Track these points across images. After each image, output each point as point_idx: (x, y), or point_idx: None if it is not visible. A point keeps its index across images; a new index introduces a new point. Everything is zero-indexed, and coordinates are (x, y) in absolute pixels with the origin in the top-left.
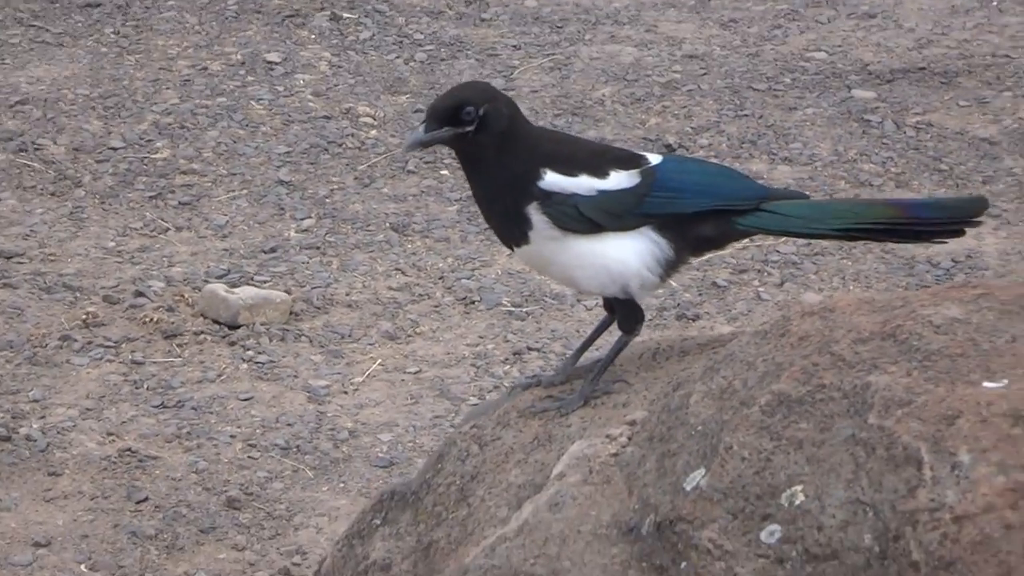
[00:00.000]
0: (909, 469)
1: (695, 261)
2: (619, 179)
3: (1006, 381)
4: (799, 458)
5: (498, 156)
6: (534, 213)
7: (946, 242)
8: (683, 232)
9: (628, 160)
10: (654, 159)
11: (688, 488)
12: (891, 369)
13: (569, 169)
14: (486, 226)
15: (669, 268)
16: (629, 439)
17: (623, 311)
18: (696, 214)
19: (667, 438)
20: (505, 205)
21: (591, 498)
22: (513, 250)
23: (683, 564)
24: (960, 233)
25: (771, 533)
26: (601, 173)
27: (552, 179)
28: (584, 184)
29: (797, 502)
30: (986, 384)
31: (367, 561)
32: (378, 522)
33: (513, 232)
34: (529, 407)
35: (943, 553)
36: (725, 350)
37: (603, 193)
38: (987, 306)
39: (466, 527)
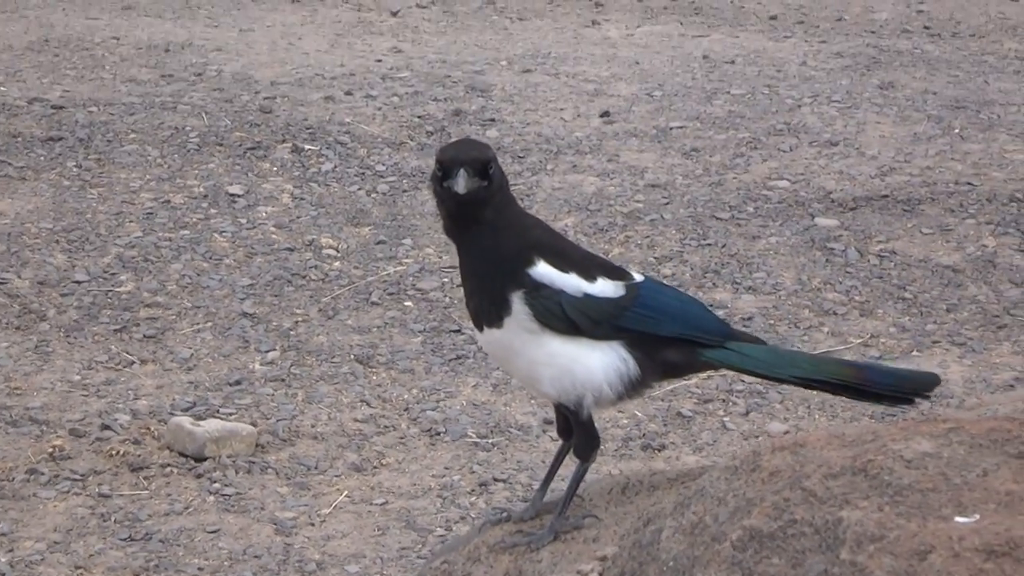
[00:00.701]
0: None
1: (654, 387)
2: (605, 287)
3: (977, 516)
4: None
5: (493, 228)
6: (517, 301)
7: (894, 409)
8: (652, 354)
9: (614, 271)
10: (637, 276)
11: None
12: (863, 504)
13: (561, 264)
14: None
15: (630, 388)
16: (600, 575)
17: (580, 435)
18: (667, 339)
19: (639, 574)
20: (493, 284)
21: None
22: (482, 331)
23: None
24: (910, 403)
25: None
26: (590, 276)
27: (543, 270)
28: (572, 283)
29: None
30: (958, 519)
31: None
32: None
33: (490, 313)
34: (499, 542)
35: None
36: (695, 485)
37: (589, 297)
38: (957, 440)
39: None
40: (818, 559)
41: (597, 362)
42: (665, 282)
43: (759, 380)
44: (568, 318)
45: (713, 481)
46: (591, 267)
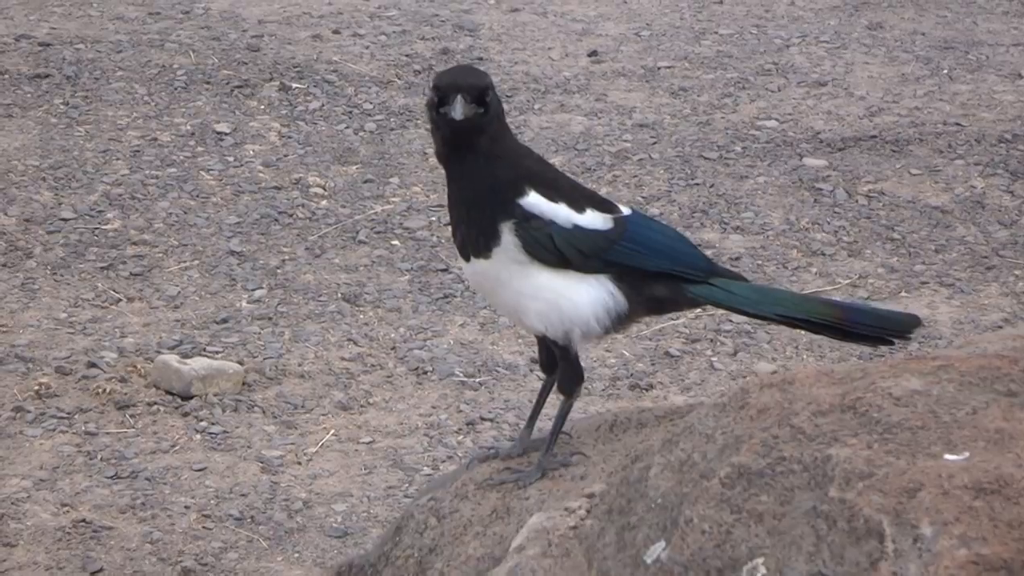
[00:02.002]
0: (871, 542)
1: (640, 322)
2: (594, 219)
3: (967, 454)
4: (760, 531)
5: (487, 157)
6: (506, 232)
7: (875, 347)
8: (638, 288)
9: (602, 203)
10: (624, 209)
11: (649, 561)
12: (851, 442)
13: (551, 194)
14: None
15: (616, 322)
16: (588, 512)
17: (565, 370)
18: (653, 273)
19: (626, 511)
20: (482, 213)
21: (550, 571)
22: (468, 261)
23: None
24: (892, 344)
25: None
26: (579, 207)
27: (534, 200)
28: (562, 214)
29: (759, 574)
30: (947, 457)
31: None
32: None
33: (478, 243)
34: (487, 479)
35: None
36: (684, 422)
37: (579, 229)
38: (947, 378)
39: None
40: (807, 496)
41: (585, 296)
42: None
43: (745, 318)
44: (557, 250)
45: (701, 418)
46: (580, 199)
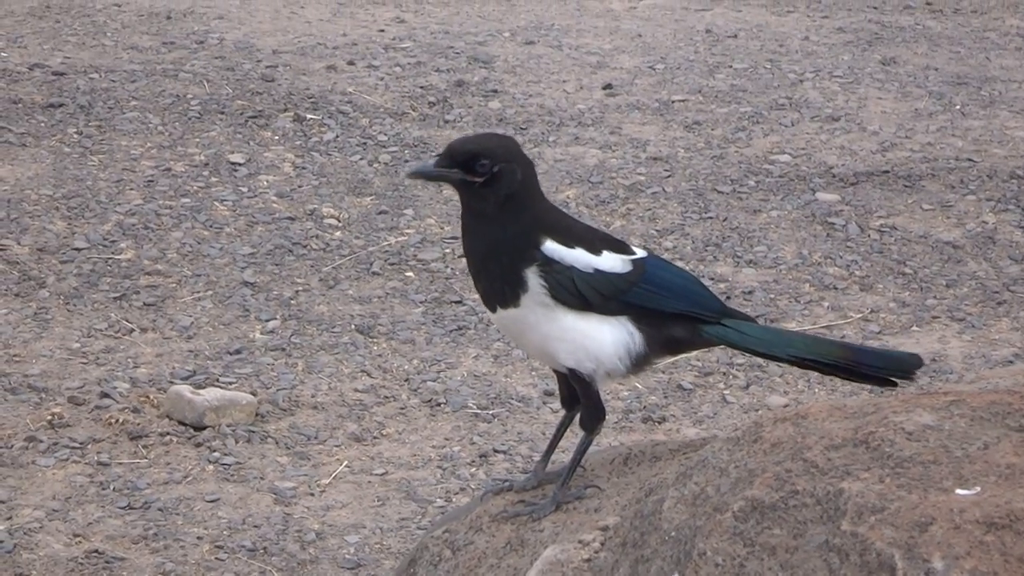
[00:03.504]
0: (883, 575)
1: (657, 362)
2: (613, 262)
3: (978, 488)
4: (773, 564)
5: (501, 214)
6: (532, 276)
7: (881, 388)
8: (657, 329)
9: (619, 246)
10: (639, 251)
11: None
12: (864, 476)
13: (567, 240)
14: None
15: (637, 363)
16: (602, 544)
17: (587, 407)
18: (671, 315)
19: (640, 544)
20: (501, 264)
21: None
22: (496, 311)
23: None
24: (893, 384)
25: None
26: (596, 251)
27: (552, 247)
28: (582, 259)
29: None
30: (959, 491)
31: None
32: None
33: (504, 293)
34: (501, 512)
35: None
36: (697, 456)
37: (599, 272)
38: (959, 413)
39: None
40: (819, 530)
41: (608, 336)
42: (665, 256)
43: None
44: (580, 293)
45: (715, 452)
46: (597, 242)
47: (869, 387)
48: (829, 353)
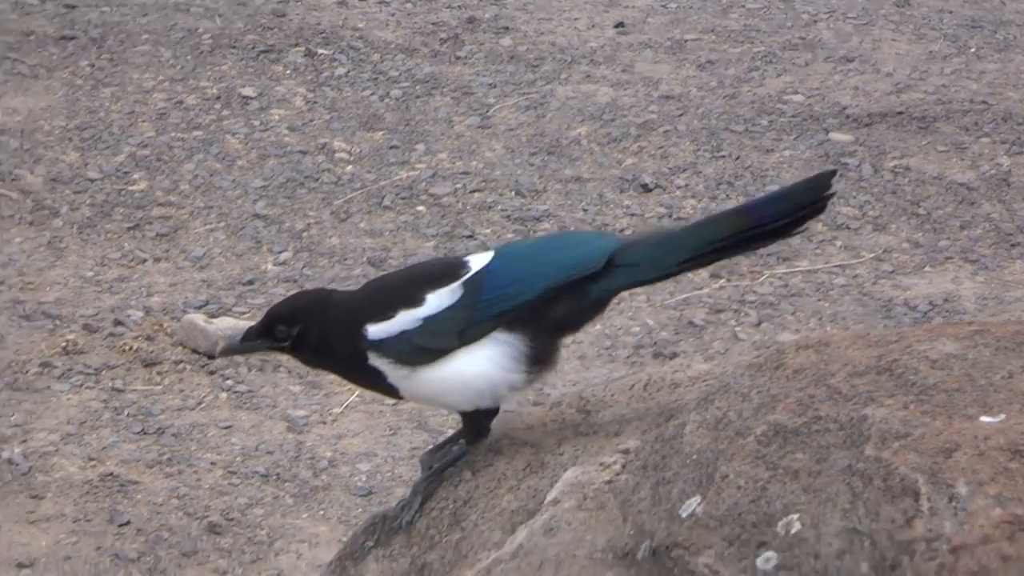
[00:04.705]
0: (906, 500)
1: (560, 348)
2: (439, 300)
3: (1003, 416)
4: (795, 487)
5: (327, 349)
6: (376, 361)
7: (793, 234)
8: (535, 321)
9: (444, 276)
10: (480, 261)
11: (684, 515)
12: (887, 402)
13: (385, 313)
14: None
15: (534, 361)
16: (623, 467)
17: (468, 424)
18: (543, 297)
19: (661, 466)
20: (357, 371)
21: (585, 523)
22: (396, 401)
23: None
24: (821, 209)
25: (767, 560)
26: (416, 302)
27: (374, 330)
28: (405, 319)
29: (793, 530)
30: (983, 419)
31: None
32: (371, 544)
33: (381, 386)
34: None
35: None
36: (718, 381)
37: (428, 319)
38: (983, 342)
39: (460, 550)
40: (842, 455)
41: (483, 361)
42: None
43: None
44: (423, 347)
45: (737, 378)
46: (416, 292)
47: (796, 236)
48: (724, 228)
